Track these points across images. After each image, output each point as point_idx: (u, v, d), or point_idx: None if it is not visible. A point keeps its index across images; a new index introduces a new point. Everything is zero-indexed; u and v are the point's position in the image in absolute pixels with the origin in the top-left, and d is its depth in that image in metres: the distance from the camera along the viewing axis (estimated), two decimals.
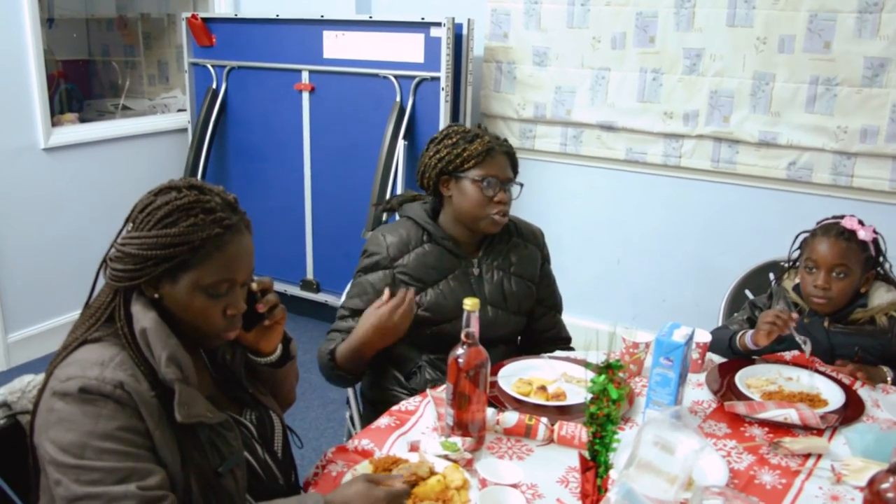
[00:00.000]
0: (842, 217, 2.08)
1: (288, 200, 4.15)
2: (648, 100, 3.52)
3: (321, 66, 3.86)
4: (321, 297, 4.18)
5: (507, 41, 3.79)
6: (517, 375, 1.84)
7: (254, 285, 1.40)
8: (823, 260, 2.02)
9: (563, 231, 3.87)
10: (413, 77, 3.59)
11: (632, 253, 3.80)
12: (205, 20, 4.14)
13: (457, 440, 1.49)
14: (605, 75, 3.59)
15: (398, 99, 3.63)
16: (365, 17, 3.76)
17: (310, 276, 4.22)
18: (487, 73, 3.88)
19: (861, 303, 2.06)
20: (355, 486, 1.24)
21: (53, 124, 3.79)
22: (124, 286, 1.25)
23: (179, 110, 4.67)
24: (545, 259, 2.20)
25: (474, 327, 1.49)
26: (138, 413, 1.18)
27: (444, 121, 3.54)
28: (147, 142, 4.28)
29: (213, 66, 4.20)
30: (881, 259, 2.09)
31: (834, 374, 1.93)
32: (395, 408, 1.72)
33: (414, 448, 1.50)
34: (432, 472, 1.38)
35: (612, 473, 1.29)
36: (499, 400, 1.72)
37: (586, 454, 1.28)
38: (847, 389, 1.83)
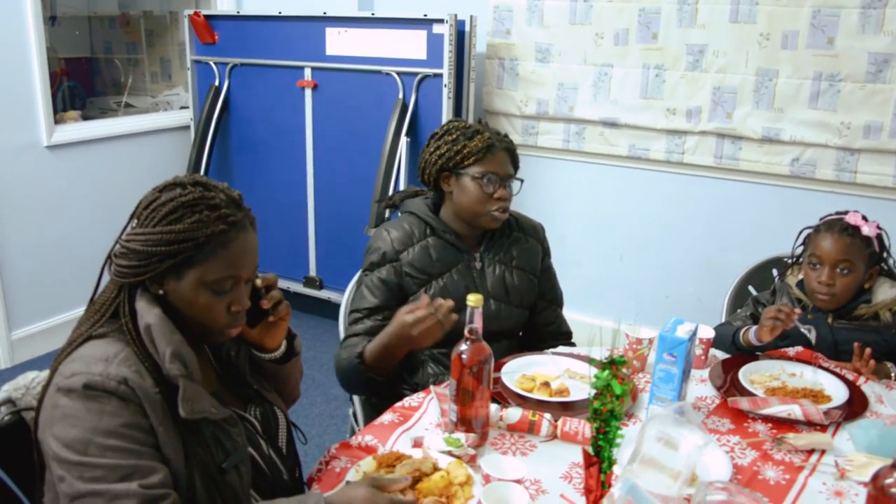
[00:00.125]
0: (845, 213, 2.08)
1: (290, 197, 4.15)
2: (651, 96, 3.51)
3: (324, 63, 3.86)
4: (324, 293, 4.18)
5: (509, 38, 3.79)
6: (520, 371, 1.84)
7: (258, 282, 1.40)
8: (827, 256, 2.02)
9: (566, 228, 3.87)
10: (416, 74, 3.59)
11: (635, 249, 3.79)
12: (207, 17, 4.14)
13: (460, 436, 1.49)
14: (607, 72, 3.58)
15: (401, 96, 3.63)
16: (367, 14, 3.76)
17: (312, 272, 4.23)
18: (490, 69, 3.88)
19: (865, 298, 2.06)
20: (359, 490, 1.23)
21: (56, 122, 3.79)
22: (129, 282, 1.25)
23: (182, 108, 4.68)
24: (546, 253, 2.21)
25: (478, 323, 1.49)
26: (142, 409, 1.18)
27: (446, 117, 3.53)
28: (150, 139, 4.28)
29: (215, 63, 4.20)
30: (885, 255, 2.08)
31: (837, 370, 1.93)
32: (398, 404, 1.72)
33: (417, 444, 1.50)
34: (436, 468, 1.38)
35: (616, 469, 1.29)
36: (502, 396, 1.72)
37: (590, 450, 1.28)
38: (851, 385, 1.83)
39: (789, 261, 2.23)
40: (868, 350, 1.92)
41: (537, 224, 2.22)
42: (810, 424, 1.65)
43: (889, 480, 1.16)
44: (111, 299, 1.27)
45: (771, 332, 1.94)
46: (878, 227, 2.06)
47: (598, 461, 1.26)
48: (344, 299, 2.20)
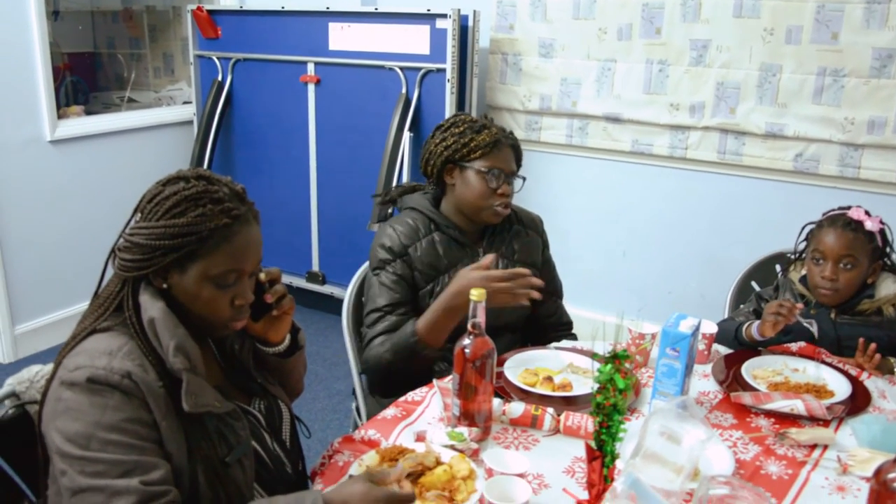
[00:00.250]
0: (848, 208, 2.07)
1: (293, 193, 4.15)
2: (654, 91, 3.51)
3: (327, 58, 3.85)
4: (327, 288, 4.18)
5: (512, 33, 3.78)
6: (523, 366, 1.85)
7: (262, 276, 1.40)
8: (830, 251, 2.02)
9: (569, 223, 3.86)
10: (419, 69, 3.58)
11: (637, 245, 3.79)
12: (210, 12, 4.14)
13: (463, 430, 1.49)
14: (611, 67, 3.58)
15: (404, 91, 3.62)
16: (370, 9, 3.75)
17: (315, 268, 4.23)
18: (493, 64, 3.87)
19: (868, 294, 2.06)
20: (356, 486, 1.21)
21: (59, 117, 3.79)
22: (133, 276, 1.25)
23: (185, 102, 4.67)
24: (545, 245, 2.23)
25: (480, 318, 1.50)
26: (145, 403, 1.18)
27: (449, 112, 3.53)
28: (153, 134, 4.28)
29: (218, 58, 4.20)
30: (888, 250, 2.08)
31: (840, 366, 1.93)
32: (401, 398, 1.72)
33: (420, 438, 1.51)
34: (438, 462, 1.38)
35: (619, 463, 1.29)
36: (505, 390, 1.72)
37: (593, 444, 1.28)
38: (853, 380, 1.83)
39: (792, 256, 2.23)
40: (873, 345, 1.92)
41: (536, 217, 2.23)
42: (813, 419, 1.65)
43: (892, 475, 1.16)
44: (115, 293, 1.28)
45: (773, 327, 1.94)
46: (882, 223, 2.06)
47: (601, 455, 1.26)
48: (347, 295, 2.20)
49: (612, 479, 1.26)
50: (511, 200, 2.02)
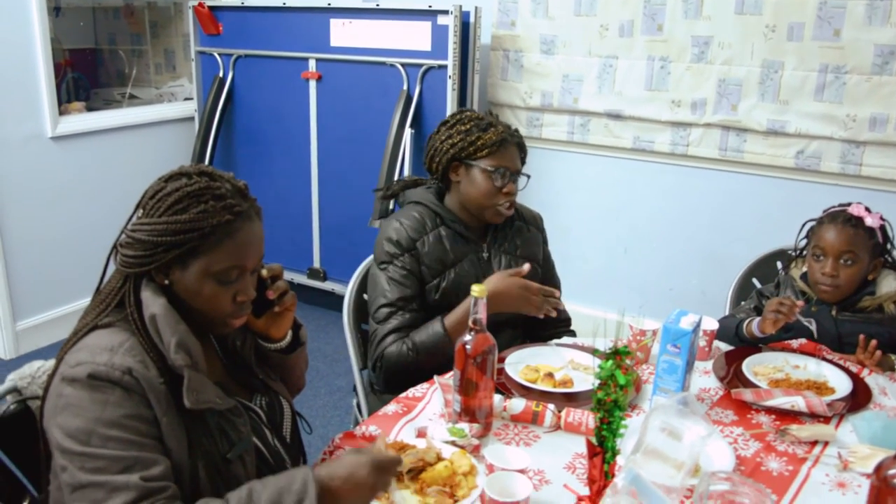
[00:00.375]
0: (848, 204, 2.07)
1: (295, 189, 4.15)
2: (656, 88, 3.50)
3: (328, 55, 3.85)
4: (328, 285, 4.19)
5: (514, 29, 3.78)
6: (524, 362, 1.85)
7: (264, 272, 1.40)
8: (831, 247, 2.02)
9: (570, 220, 3.86)
10: (420, 65, 3.58)
11: (639, 241, 3.79)
12: (211, 8, 4.14)
13: (464, 426, 1.49)
14: (612, 63, 3.57)
15: (405, 87, 3.62)
16: (372, 5, 3.75)
17: (316, 264, 4.23)
18: (495, 61, 3.87)
19: (869, 290, 2.06)
20: (342, 458, 1.22)
21: (60, 113, 3.80)
22: (134, 272, 1.26)
23: (186, 99, 4.67)
24: (545, 241, 2.23)
25: (481, 314, 1.50)
26: (146, 400, 1.18)
27: (450, 109, 3.53)
28: (154, 130, 4.28)
29: (219, 54, 4.19)
30: (889, 246, 2.08)
31: (841, 362, 1.93)
32: (402, 394, 1.72)
33: (421, 434, 1.51)
34: (439, 458, 1.38)
35: (619, 459, 1.29)
36: (506, 387, 1.73)
37: (593, 440, 1.28)
38: (854, 377, 1.83)
39: (793, 253, 2.23)
40: (873, 342, 1.92)
41: (536, 213, 2.25)
42: (814, 416, 1.65)
43: (892, 471, 1.16)
44: (117, 289, 1.28)
45: (774, 324, 1.94)
46: (882, 219, 2.06)
47: (602, 451, 1.27)
48: (348, 291, 2.20)
49: (613, 476, 1.26)
50: (516, 199, 2.02)
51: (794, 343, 2.05)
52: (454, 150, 1.99)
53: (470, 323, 1.50)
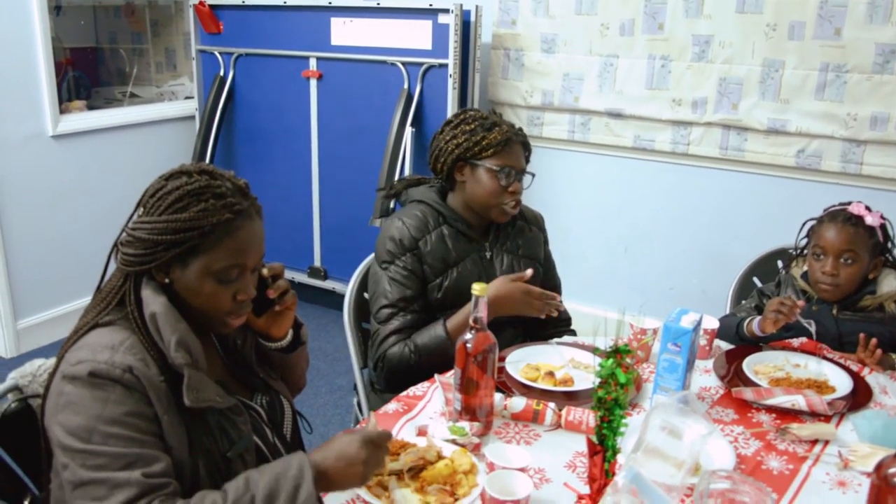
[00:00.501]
0: (849, 203, 2.07)
1: (295, 188, 4.15)
2: (657, 87, 3.50)
3: (329, 53, 3.85)
4: (328, 284, 4.19)
5: (515, 28, 3.78)
6: (525, 361, 1.85)
7: (264, 271, 1.40)
8: (831, 246, 2.02)
9: (571, 219, 3.86)
10: (421, 64, 3.58)
11: (639, 240, 3.79)
12: (212, 7, 4.14)
13: (464, 425, 1.49)
14: (613, 62, 3.57)
15: (406, 86, 3.62)
16: (373, 4, 3.75)
17: (317, 263, 4.23)
18: (495, 60, 3.87)
19: (870, 290, 2.06)
20: (334, 439, 1.24)
21: (61, 112, 3.80)
22: (135, 271, 1.26)
23: (187, 98, 4.67)
24: (546, 241, 2.24)
25: (482, 312, 1.50)
26: (147, 398, 1.18)
27: (451, 108, 3.53)
28: (154, 129, 4.28)
29: (220, 53, 4.20)
30: (889, 245, 2.08)
31: (842, 361, 1.93)
32: (402, 393, 1.72)
33: (422, 433, 1.51)
34: (440, 457, 1.39)
35: (620, 458, 1.29)
36: (506, 385, 1.73)
37: (594, 438, 1.28)
38: (855, 376, 1.83)
39: (794, 252, 2.23)
40: (874, 340, 1.92)
41: (537, 213, 2.25)
42: (814, 415, 1.65)
43: (892, 470, 1.16)
44: (117, 287, 1.28)
45: (774, 324, 1.94)
46: (882, 218, 2.06)
47: (602, 450, 1.27)
48: (349, 290, 2.20)
49: (614, 474, 1.26)
50: (521, 198, 2.02)
51: (795, 342, 2.05)
52: (459, 150, 1.99)
53: (471, 321, 1.50)
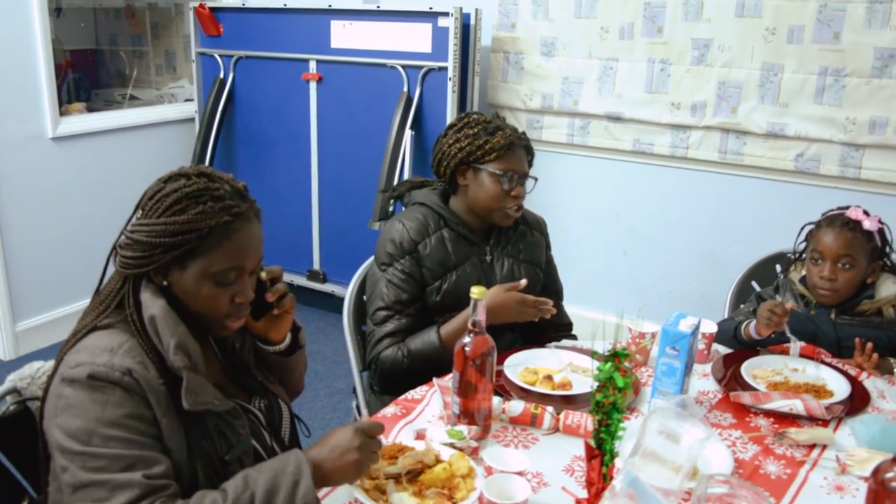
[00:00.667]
0: (847, 208, 2.07)
1: (295, 191, 4.15)
2: (656, 90, 3.50)
3: (329, 56, 3.85)
4: (328, 287, 4.19)
5: (514, 31, 3.78)
6: (523, 365, 1.85)
7: (263, 274, 1.40)
8: (829, 251, 2.02)
9: (570, 222, 3.86)
10: (420, 67, 3.58)
11: (638, 244, 3.79)
12: (212, 9, 4.14)
13: (462, 428, 1.49)
14: (612, 66, 3.58)
15: (405, 89, 3.63)
16: (373, 7, 3.76)
17: (316, 266, 4.23)
18: (495, 63, 3.87)
19: (868, 294, 2.06)
20: (334, 434, 1.26)
21: (61, 114, 3.80)
22: (133, 273, 1.26)
23: (187, 100, 4.68)
24: (547, 246, 2.23)
25: (481, 315, 1.50)
26: (146, 400, 1.18)
27: (451, 111, 3.53)
28: (154, 131, 4.29)
29: (220, 55, 4.20)
30: (887, 249, 2.08)
31: (840, 366, 1.93)
32: (401, 396, 1.72)
33: (420, 436, 1.51)
34: (438, 460, 1.38)
35: (618, 462, 1.29)
36: (505, 389, 1.73)
37: (592, 443, 1.28)
38: (853, 380, 1.83)
39: (792, 256, 2.23)
40: (870, 345, 1.92)
41: (540, 218, 2.24)
42: (812, 419, 1.65)
43: (890, 475, 1.16)
44: (116, 290, 1.28)
45: (767, 327, 1.95)
46: (880, 222, 2.06)
47: (600, 454, 1.27)
48: (348, 293, 2.20)
49: (611, 478, 1.26)
50: (523, 202, 2.02)
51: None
52: (462, 153, 1.99)
53: (469, 325, 1.50)
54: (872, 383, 1.86)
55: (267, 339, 1.49)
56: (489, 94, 3.93)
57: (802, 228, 2.17)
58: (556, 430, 1.59)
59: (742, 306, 2.29)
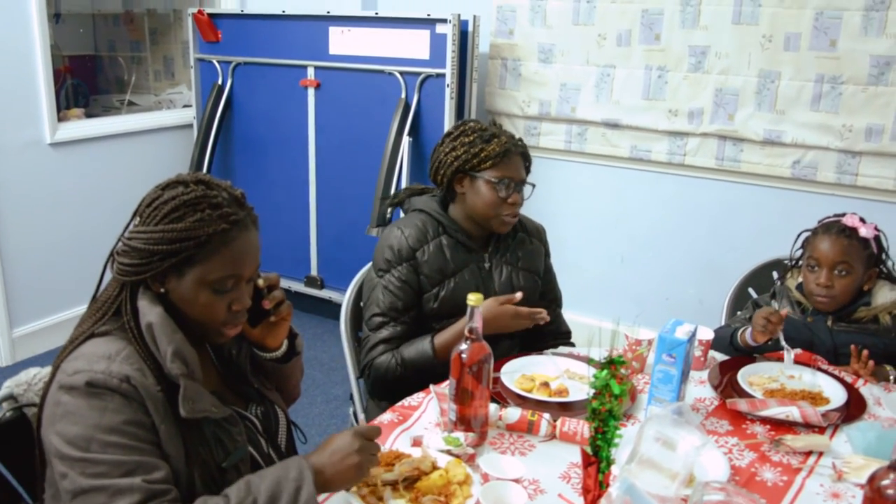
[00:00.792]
0: (843, 215, 2.08)
1: (293, 197, 4.16)
2: (653, 97, 3.51)
3: (327, 63, 3.86)
4: (325, 293, 4.19)
5: (512, 38, 3.79)
6: (520, 371, 1.85)
7: (260, 281, 1.40)
8: (825, 258, 2.02)
9: (567, 229, 3.87)
10: (418, 74, 3.59)
11: (635, 251, 3.80)
12: (211, 16, 4.15)
13: (459, 435, 1.49)
14: (610, 73, 3.59)
15: (403, 96, 3.63)
16: (371, 14, 3.76)
17: (314, 272, 4.23)
18: (493, 69, 3.88)
19: (864, 301, 2.06)
20: (328, 441, 1.27)
21: (60, 119, 3.80)
22: (131, 280, 1.26)
23: (185, 106, 4.68)
24: (547, 254, 2.23)
25: (478, 322, 1.50)
26: (144, 407, 1.18)
27: (448, 117, 3.54)
28: (152, 137, 4.29)
29: (218, 61, 4.20)
30: (884, 256, 2.09)
31: (836, 373, 1.93)
32: (398, 403, 1.72)
33: (417, 443, 1.51)
34: (435, 467, 1.38)
35: (614, 469, 1.29)
36: (501, 396, 1.73)
37: (588, 450, 1.28)
38: (849, 388, 1.84)
39: (789, 263, 2.23)
40: (865, 352, 1.92)
41: (539, 226, 2.24)
42: (808, 426, 1.65)
43: (885, 482, 1.16)
44: (113, 297, 1.28)
45: (762, 334, 1.95)
46: (877, 229, 2.07)
47: (597, 461, 1.27)
48: (345, 300, 2.21)
49: (608, 485, 1.26)
50: (520, 209, 2.03)
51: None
52: (458, 162, 1.99)
53: (466, 331, 1.51)
54: (869, 390, 1.86)
55: (264, 345, 1.49)
56: (487, 100, 3.94)
57: (799, 235, 2.18)
58: (552, 437, 1.59)
59: (739, 313, 2.30)
